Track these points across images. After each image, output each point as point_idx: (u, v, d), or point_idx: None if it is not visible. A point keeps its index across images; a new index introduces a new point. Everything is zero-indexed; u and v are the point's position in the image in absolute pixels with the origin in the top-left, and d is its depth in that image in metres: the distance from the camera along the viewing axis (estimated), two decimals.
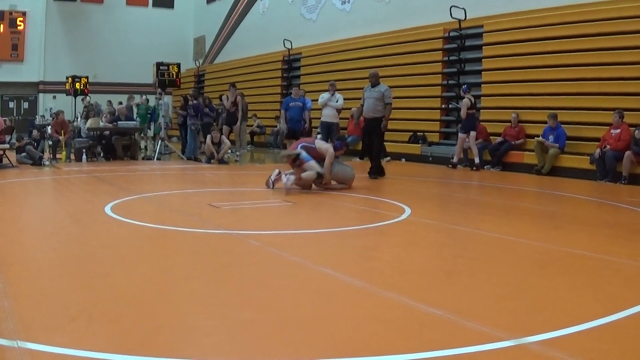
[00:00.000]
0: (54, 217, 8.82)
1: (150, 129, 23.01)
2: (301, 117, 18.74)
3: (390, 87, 17.15)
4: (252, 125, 26.13)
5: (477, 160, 16.15)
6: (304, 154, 11.13)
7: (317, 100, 18.86)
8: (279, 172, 11.36)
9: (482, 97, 17.69)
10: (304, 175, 11.07)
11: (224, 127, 18.32)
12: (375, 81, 13.81)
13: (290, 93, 19.68)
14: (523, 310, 4.49)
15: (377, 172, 13.77)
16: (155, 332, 3.91)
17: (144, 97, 24.55)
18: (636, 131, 13.22)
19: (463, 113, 16.30)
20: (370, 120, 13.76)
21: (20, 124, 28.02)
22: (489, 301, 4.71)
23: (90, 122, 18.47)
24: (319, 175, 11.12)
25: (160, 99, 21.96)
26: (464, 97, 16.37)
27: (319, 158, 11.24)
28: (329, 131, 18.21)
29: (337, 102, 18.29)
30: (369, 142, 14.01)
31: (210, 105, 19.94)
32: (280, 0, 28.67)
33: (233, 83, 19.65)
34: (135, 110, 23.30)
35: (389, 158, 18.34)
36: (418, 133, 19.61)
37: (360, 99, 13.59)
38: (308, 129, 19.12)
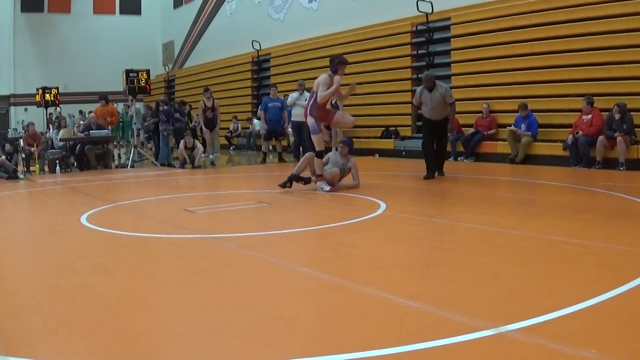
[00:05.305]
0: (30, 229, 8.75)
1: (123, 137, 22.88)
2: (281, 118, 18.82)
3: (360, 83, 17.21)
4: (226, 129, 26.06)
5: None
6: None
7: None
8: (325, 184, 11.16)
9: (452, 89, 17.72)
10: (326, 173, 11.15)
11: (205, 131, 18.25)
12: (431, 85, 12.69)
13: (268, 94, 19.67)
14: (502, 299, 4.51)
15: (441, 170, 13.10)
16: (136, 340, 3.89)
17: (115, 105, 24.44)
18: (614, 113, 13.24)
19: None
20: (437, 122, 12.91)
21: None
22: (468, 291, 4.73)
23: (62, 133, 18.32)
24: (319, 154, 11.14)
25: (130, 107, 21.79)
26: None
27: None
28: (300, 131, 18.13)
29: (305, 101, 18.22)
30: (431, 143, 13.01)
31: (180, 110, 19.82)
32: (247, 2, 28.66)
33: (207, 87, 19.59)
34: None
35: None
36: (390, 128, 19.65)
37: None
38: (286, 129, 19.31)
